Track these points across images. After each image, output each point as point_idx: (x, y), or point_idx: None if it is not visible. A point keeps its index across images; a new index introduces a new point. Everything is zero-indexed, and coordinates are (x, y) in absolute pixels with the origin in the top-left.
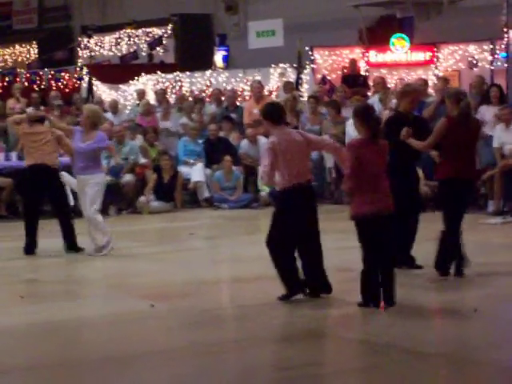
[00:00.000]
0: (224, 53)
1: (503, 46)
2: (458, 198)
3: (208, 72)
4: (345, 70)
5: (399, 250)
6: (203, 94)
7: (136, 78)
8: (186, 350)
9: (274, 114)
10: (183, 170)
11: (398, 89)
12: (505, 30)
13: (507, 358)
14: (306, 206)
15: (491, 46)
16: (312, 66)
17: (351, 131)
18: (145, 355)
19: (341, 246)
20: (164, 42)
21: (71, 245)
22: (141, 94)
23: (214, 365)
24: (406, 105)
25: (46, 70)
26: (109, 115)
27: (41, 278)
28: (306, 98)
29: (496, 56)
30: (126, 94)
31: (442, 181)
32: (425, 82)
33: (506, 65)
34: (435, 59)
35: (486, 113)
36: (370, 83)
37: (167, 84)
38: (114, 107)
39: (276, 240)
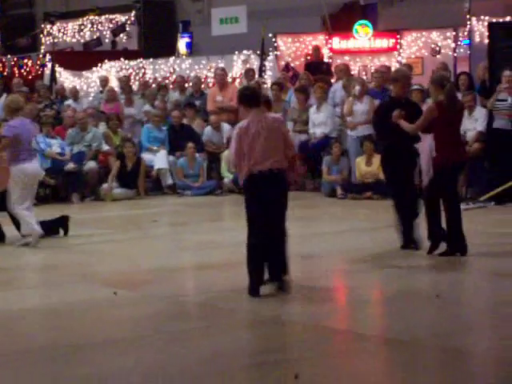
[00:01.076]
0: (187, 40)
1: (466, 34)
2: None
3: (171, 59)
4: (308, 57)
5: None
6: (166, 81)
7: (99, 64)
8: (152, 338)
9: (247, 97)
10: (146, 157)
11: (390, 75)
12: (467, 17)
13: (478, 344)
14: (268, 195)
15: (454, 33)
16: (275, 52)
17: (314, 118)
18: (109, 343)
19: (304, 233)
20: (127, 28)
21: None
22: (104, 81)
23: (180, 352)
24: (398, 90)
25: (8, 56)
26: (70, 102)
27: (4, 265)
28: (269, 85)
29: (459, 43)
30: (89, 81)
31: (441, 166)
32: (388, 69)
33: (468, 52)
34: (398, 46)
35: None
36: (334, 70)
37: (130, 71)
38: (75, 94)
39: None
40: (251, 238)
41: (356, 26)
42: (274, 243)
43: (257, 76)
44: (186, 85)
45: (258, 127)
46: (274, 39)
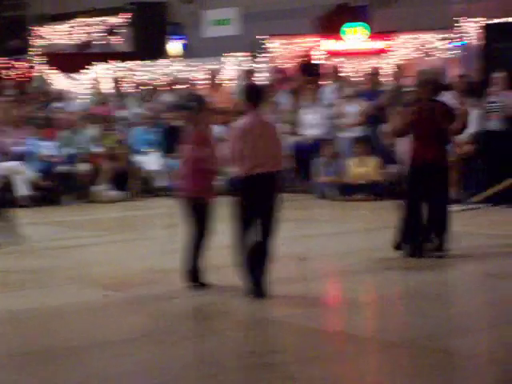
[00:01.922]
0: (180, 41)
1: (458, 35)
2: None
3: (164, 61)
4: (300, 59)
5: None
6: (158, 83)
7: (91, 66)
8: (143, 339)
9: (250, 93)
10: (138, 158)
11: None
12: (460, 18)
13: (469, 346)
14: (263, 198)
15: (446, 35)
16: (268, 54)
17: (306, 119)
18: (101, 345)
19: (297, 235)
20: (119, 30)
21: None
22: (96, 83)
23: (172, 354)
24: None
25: None
26: (61, 104)
27: None
28: None
29: (451, 45)
30: (80, 83)
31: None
32: (377, 71)
33: (461, 53)
34: (390, 48)
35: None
36: (325, 72)
37: (122, 73)
38: (66, 96)
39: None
40: (244, 238)
41: (348, 28)
42: (263, 246)
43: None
44: (179, 86)
45: (258, 129)
46: (266, 41)
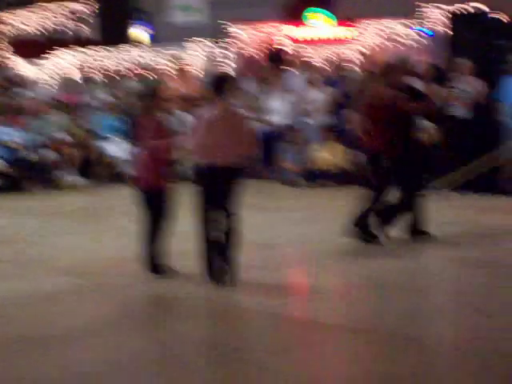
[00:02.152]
0: (146, 29)
1: (425, 23)
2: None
3: (131, 48)
4: (265, 46)
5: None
6: (125, 70)
7: (56, 53)
8: (111, 327)
9: (218, 82)
10: (103, 145)
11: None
12: (427, 6)
13: (433, 332)
14: (224, 187)
15: (412, 22)
16: (234, 42)
17: (272, 106)
18: (69, 333)
19: (261, 222)
20: (87, 18)
21: None
22: (63, 70)
23: (139, 342)
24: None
25: None
26: (26, 91)
27: None
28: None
29: (417, 32)
30: (45, 70)
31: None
32: (342, 58)
33: (427, 41)
34: (358, 35)
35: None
36: (291, 58)
37: (88, 60)
38: (31, 83)
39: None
40: (206, 227)
41: (315, 15)
42: (226, 234)
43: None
44: (145, 74)
45: (224, 118)
46: (233, 28)
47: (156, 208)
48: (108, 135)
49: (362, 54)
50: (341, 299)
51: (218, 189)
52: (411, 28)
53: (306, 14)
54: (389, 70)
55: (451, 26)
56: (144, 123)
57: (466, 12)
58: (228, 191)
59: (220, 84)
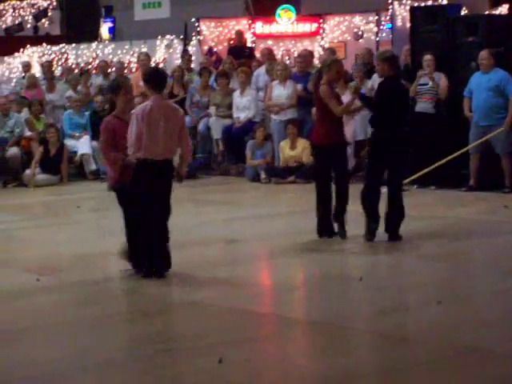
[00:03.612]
0: (110, 24)
1: (388, 18)
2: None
3: (94, 44)
4: (231, 42)
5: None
6: (89, 66)
7: (21, 50)
8: (73, 324)
9: (155, 78)
10: (69, 142)
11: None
12: (389, 1)
13: (393, 326)
14: (157, 184)
15: (376, 18)
16: (198, 37)
17: (238, 102)
18: (32, 330)
19: (227, 218)
20: (49, 13)
21: None
22: (26, 67)
23: (100, 338)
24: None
25: None
26: None
27: None
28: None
29: (381, 27)
30: (11, 67)
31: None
32: (310, 54)
33: (391, 36)
34: (321, 30)
35: (376, 82)
36: (257, 54)
37: (53, 56)
38: None
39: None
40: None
41: (279, 11)
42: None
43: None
44: (109, 70)
45: (161, 114)
46: (196, 24)
47: (126, 204)
48: (74, 132)
49: (326, 49)
50: (299, 293)
51: (155, 187)
52: (375, 23)
53: (277, 10)
54: (325, 69)
55: (413, 20)
56: (109, 120)
57: (425, 7)
58: (164, 190)
59: (155, 79)
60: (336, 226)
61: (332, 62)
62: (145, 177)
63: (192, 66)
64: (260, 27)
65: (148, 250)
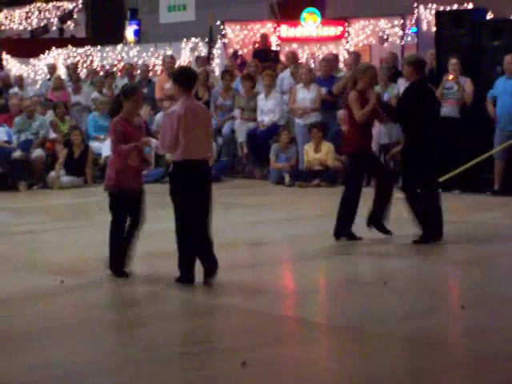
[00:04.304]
0: (135, 27)
1: (413, 22)
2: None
3: (119, 46)
4: (256, 45)
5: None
6: (114, 69)
7: (47, 52)
8: (96, 326)
9: (185, 78)
10: (94, 144)
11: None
12: (415, 5)
13: (415, 329)
14: (198, 186)
15: (402, 21)
16: (223, 40)
17: (262, 105)
18: (56, 331)
19: (252, 221)
20: (75, 16)
21: None
22: (52, 69)
23: (123, 340)
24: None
25: None
26: (16, 90)
27: None
28: (217, 73)
29: (406, 31)
30: (36, 69)
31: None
32: (335, 57)
33: (416, 40)
34: (346, 34)
35: (402, 86)
36: (282, 58)
37: (78, 58)
38: (21, 82)
39: (178, 223)
40: (184, 226)
41: (304, 14)
42: (203, 234)
43: None
44: (134, 72)
45: (195, 114)
46: (221, 27)
47: (127, 211)
48: (99, 134)
49: (350, 53)
50: (323, 297)
51: (192, 186)
52: (400, 27)
53: (302, 14)
54: (359, 75)
55: (439, 24)
56: (115, 125)
57: (450, 11)
58: (201, 189)
59: (186, 79)
60: (369, 229)
61: (366, 68)
62: (186, 177)
63: (216, 68)
64: (285, 30)
65: (191, 254)
